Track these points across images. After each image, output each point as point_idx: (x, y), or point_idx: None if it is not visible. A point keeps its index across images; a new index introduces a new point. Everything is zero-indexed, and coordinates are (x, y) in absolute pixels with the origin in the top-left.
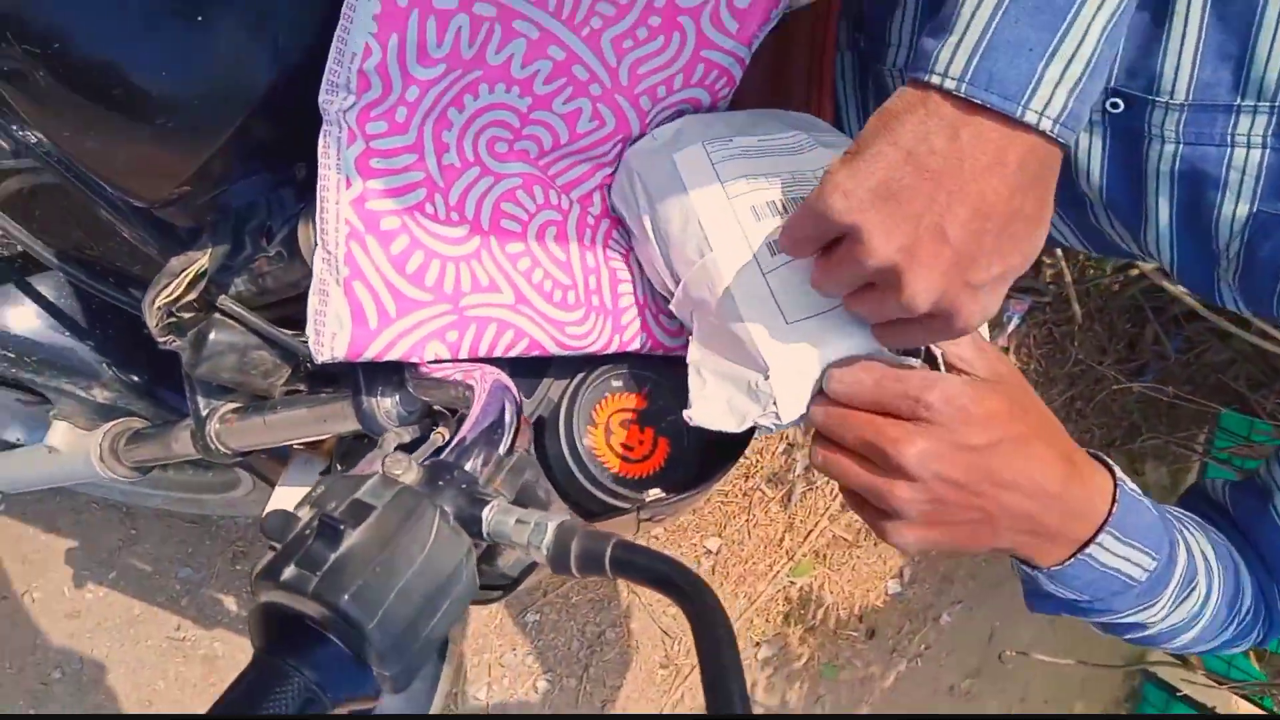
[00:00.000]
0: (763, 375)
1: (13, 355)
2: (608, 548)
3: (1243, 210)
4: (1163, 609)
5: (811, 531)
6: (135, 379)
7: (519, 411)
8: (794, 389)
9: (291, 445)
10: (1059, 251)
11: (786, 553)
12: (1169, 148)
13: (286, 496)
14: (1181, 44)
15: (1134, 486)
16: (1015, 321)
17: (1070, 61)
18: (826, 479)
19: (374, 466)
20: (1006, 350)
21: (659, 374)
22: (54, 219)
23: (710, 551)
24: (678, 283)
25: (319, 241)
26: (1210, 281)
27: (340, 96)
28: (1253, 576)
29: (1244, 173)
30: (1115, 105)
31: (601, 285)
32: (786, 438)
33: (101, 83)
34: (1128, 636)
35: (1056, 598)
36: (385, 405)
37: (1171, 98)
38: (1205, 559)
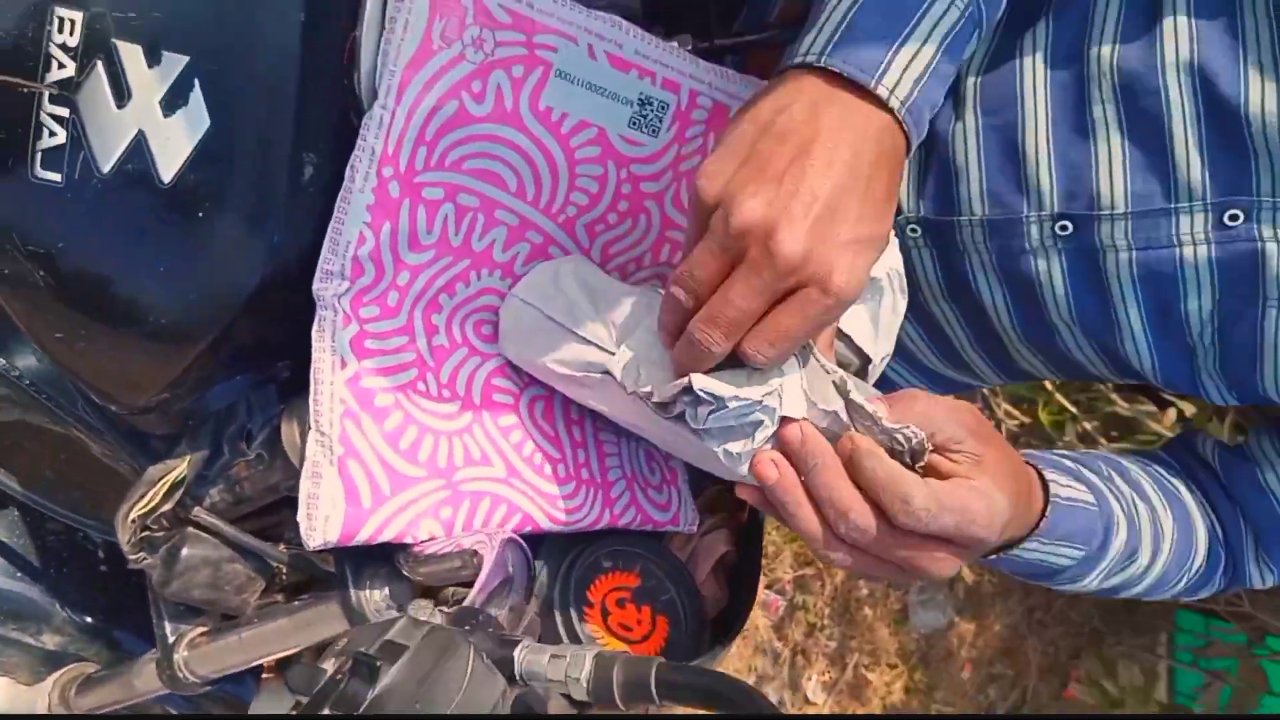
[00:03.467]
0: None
1: None
2: (651, 670)
3: (1206, 302)
4: (1096, 579)
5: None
6: (89, 620)
7: (529, 563)
8: (794, 389)
9: (263, 672)
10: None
11: None
12: (1123, 255)
13: None
14: (1110, 163)
15: (1070, 495)
16: None
17: (916, 55)
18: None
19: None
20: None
21: (648, 550)
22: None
23: None
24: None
25: (313, 424)
26: (1191, 376)
27: (335, 283)
28: (1221, 528)
29: (1197, 268)
30: (1065, 228)
31: (590, 459)
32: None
33: (99, 281)
34: (1059, 589)
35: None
36: (375, 598)
37: (1113, 209)
38: (1155, 528)
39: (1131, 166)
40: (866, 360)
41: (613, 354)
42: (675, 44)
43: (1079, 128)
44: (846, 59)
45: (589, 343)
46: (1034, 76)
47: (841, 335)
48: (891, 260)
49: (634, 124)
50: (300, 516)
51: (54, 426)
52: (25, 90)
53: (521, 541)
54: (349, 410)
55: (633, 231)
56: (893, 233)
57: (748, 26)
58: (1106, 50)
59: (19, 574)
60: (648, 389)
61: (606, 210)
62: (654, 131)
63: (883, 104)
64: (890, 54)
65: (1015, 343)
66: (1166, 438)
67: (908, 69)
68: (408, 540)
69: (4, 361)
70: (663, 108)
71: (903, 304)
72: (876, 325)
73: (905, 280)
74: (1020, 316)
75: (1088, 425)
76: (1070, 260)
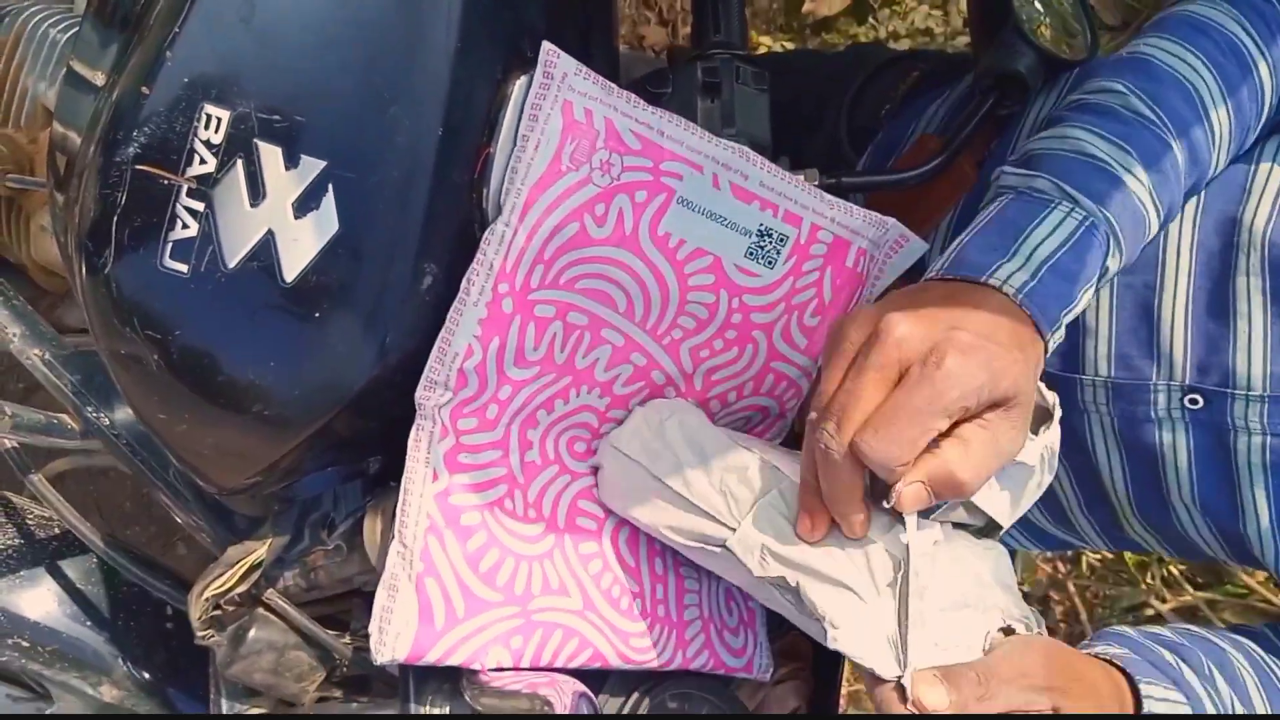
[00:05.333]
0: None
1: (27, 644)
2: None
3: None
4: None
5: None
6: (148, 677)
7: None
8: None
9: None
10: (1071, 588)
11: None
12: (1257, 439)
13: None
14: (1250, 341)
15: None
16: None
17: (1028, 259)
18: None
19: None
20: None
21: (716, 694)
22: (77, 508)
23: None
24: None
25: (396, 534)
26: None
27: (438, 393)
28: None
29: None
30: (1194, 401)
31: (668, 596)
32: None
33: (209, 369)
34: None
35: None
36: (434, 716)
37: (1249, 389)
38: None
39: (1274, 346)
40: (996, 527)
41: (733, 530)
42: (801, 177)
43: (1220, 298)
44: (959, 268)
45: (705, 515)
46: (1179, 240)
47: (969, 505)
48: (1049, 439)
49: (751, 254)
50: (372, 628)
51: (141, 484)
52: (166, 182)
53: (590, 695)
54: (434, 525)
55: (738, 360)
56: (1057, 409)
57: (868, 169)
58: (1261, 222)
59: (88, 622)
60: (777, 576)
61: (713, 336)
62: (770, 263)
63: (999, 291)
64: (999, 260)
65: (1128, 514)
66: (1257, 591)
67: (1020, 269)
68: (475, 666)
69: (106, 419)
70: (782, 240)
71: (1048, 480)
72: (1016, 503)
73: (1055, 459)
74: (1137, 487)
75: (1174, 569)
76: (1197, 435)
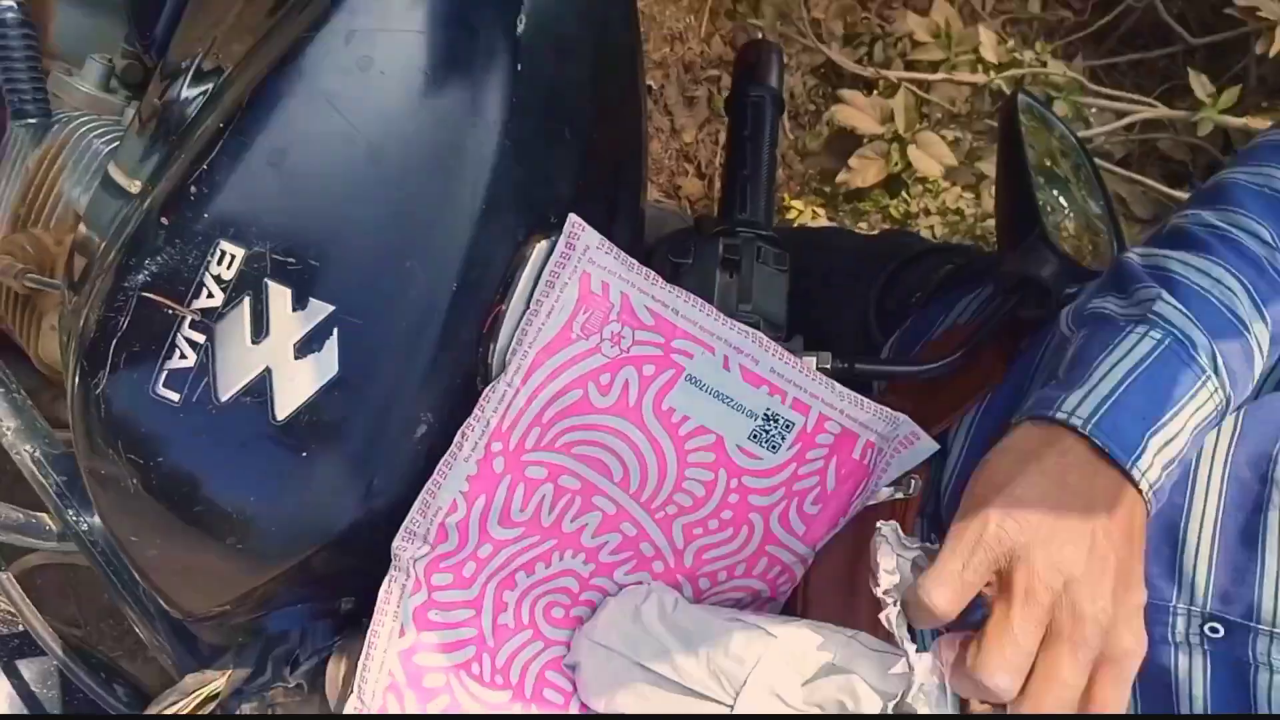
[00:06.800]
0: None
1: None
2: None
3: None
4: None
5: None
6: None
7: None
8: None
9: None
10: None
11: None
12: (1279, 677)
13: None
14: (1278, 577)
15: None
16: None
17: (1169, 442)
18: None
19: None
20: None
21: None
22: (55, 595)
23: None
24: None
25: (356, 689)
26: None
27: (415, 545)
28: None
29: None
30: (1215, 630)
31: None
32: None
33: (187, 499)
34: None
35: None
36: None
37: (1275, 627)
38: None
39: None
40: None
41: (730, 706)
42: (813, 363)
43: (1249, 530)
44: (1111, 436)
45: (698, 695)
46: (1211, 465)
47: None
48: None
49: (754, 437)
50: None
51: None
52: (170, 311)
53: None
54: (394, 684)
55: (732, 540)
56: None
57: (887, 358)
58: None
59: None
60: None
61: (709, 515)
62: (774, 448)
63: (1134, 482)
64: (1148, 436)
65: None
66: None
67: (1159, 454)
68: None
69: (85, 524)
70: (788, 426)
71: None
72: None
73: None
74: (1147, 709)
75: None
76: (1215, 665)
